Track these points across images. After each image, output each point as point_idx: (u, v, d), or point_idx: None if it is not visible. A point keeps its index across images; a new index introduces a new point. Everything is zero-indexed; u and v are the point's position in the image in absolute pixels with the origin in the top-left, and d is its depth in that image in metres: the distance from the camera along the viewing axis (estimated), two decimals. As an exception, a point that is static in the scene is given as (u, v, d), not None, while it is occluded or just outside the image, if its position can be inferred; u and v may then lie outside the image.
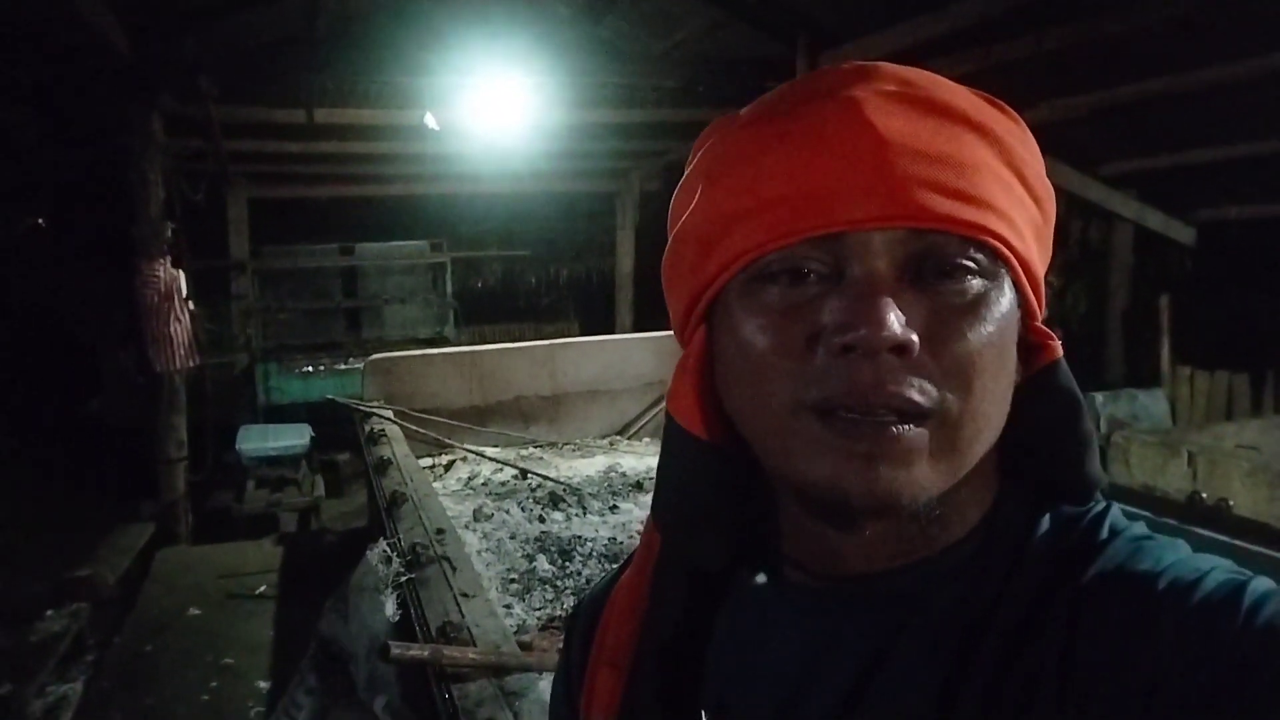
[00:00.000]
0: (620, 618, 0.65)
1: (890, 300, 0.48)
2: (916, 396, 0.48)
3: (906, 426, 0.48)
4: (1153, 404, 5.75)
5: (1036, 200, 0.54)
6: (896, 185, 0.49)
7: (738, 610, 0.62)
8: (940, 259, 0.50)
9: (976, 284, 0.50)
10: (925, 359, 0.48)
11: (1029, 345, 0.56)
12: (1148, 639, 0.46)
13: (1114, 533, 0.54)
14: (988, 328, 0.50)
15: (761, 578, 0.61)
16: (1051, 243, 0.57)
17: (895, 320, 0.47)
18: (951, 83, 0.54)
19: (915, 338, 0.48)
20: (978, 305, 0.50)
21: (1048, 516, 0.55)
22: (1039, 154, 0.55)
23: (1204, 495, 2.76)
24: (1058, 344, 0.57)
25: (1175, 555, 0.51)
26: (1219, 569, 0.49)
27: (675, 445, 0.61)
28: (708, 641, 0.62)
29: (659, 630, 0.63)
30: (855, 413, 0.48)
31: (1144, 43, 4.34)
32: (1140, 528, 0.55)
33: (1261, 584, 0.47)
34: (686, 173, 0.60)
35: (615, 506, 4.19)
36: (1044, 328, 0.57)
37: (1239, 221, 5.79)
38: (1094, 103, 5.02)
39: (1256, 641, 0.44)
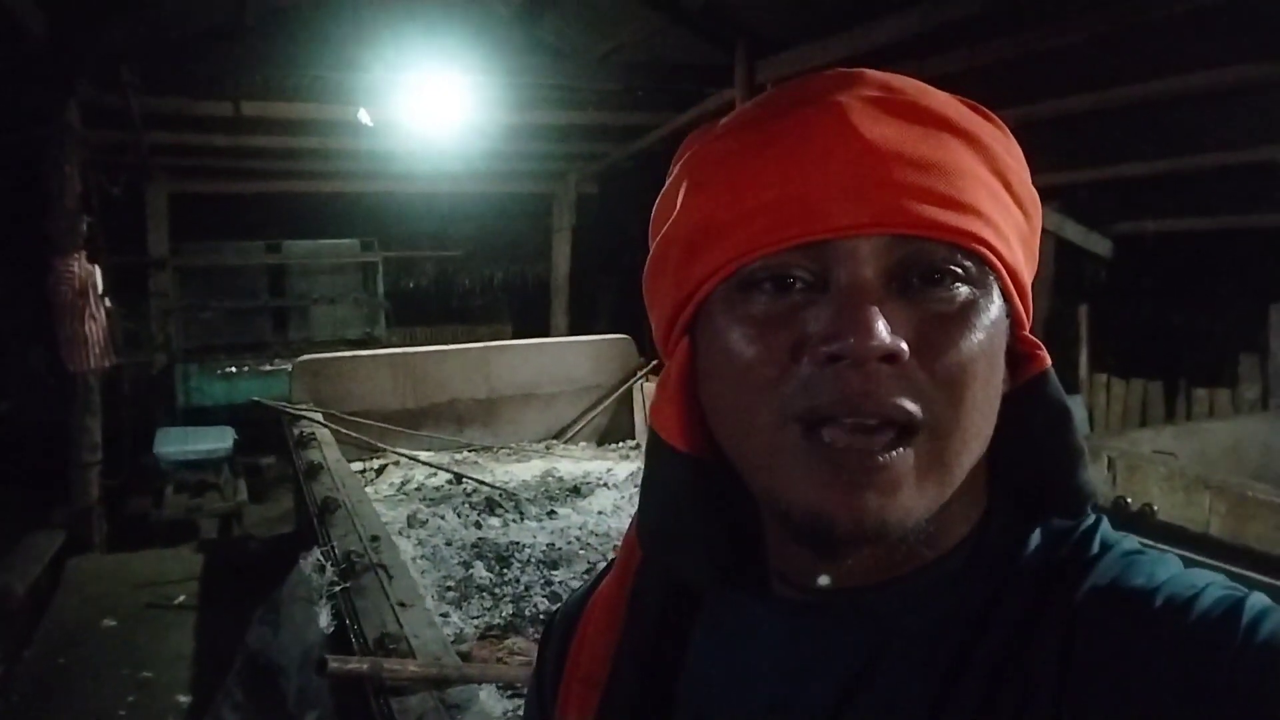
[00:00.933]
0: (596, 631, 0.64)
1: (877, 308, 0.47)
2: (908, 405, 0.47)
3: (894, 453, 0.47)
4: (1072, 410, 5.94)
5: (1021, 207, 0.54)
6: (883, 191, 0.48)
7: (718, 623, 0.61)
8: (928, 266, 0.49)
9: (965, 292, 0.50)
10: (914, 369, 0.48)
11: (1016, 355, 0.55)
12: (1146, 657, 0.46)
13: (1104, 547, 0.53)
14: (977, 336, 0.49)
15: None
16: (1037, 250, 0.57)
17: (883, 328, 0.46)
18: (934, 89, 0.53)
19: (904, 346, 0.47)
20: (966, 313, 0.49)
21: (1037, 530, 0.55)
22: (1024, 160, 0.55)
23: (1129, 500, 2.85)
24: (1045, 354, 0.56)
25: (1168, 571, 0.50)
26: (1214, 585, 0.48)
27: (659, 460, 0.59)
28: (686, 655, 0.61)
29: (637, 644, 0.61)
30: (841, 430, 0.47)
31: (1069, 60, 4.49)
32: (1131, 542, 0.54)
33: (1258, 601, 0.47)
34: (668, 181, 0.58)
35: (553, 512, 4.16)
36: (1031, 337, 0.56)
37: (1154, 235, 6.03)
38: (1019, 116, 5.16)
39: (1256, 660, 0.43)
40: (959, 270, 0.49)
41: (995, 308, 0.51)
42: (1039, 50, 4.23)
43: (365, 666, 1.89)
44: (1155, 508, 2.80)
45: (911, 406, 0.47)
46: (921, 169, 0.49)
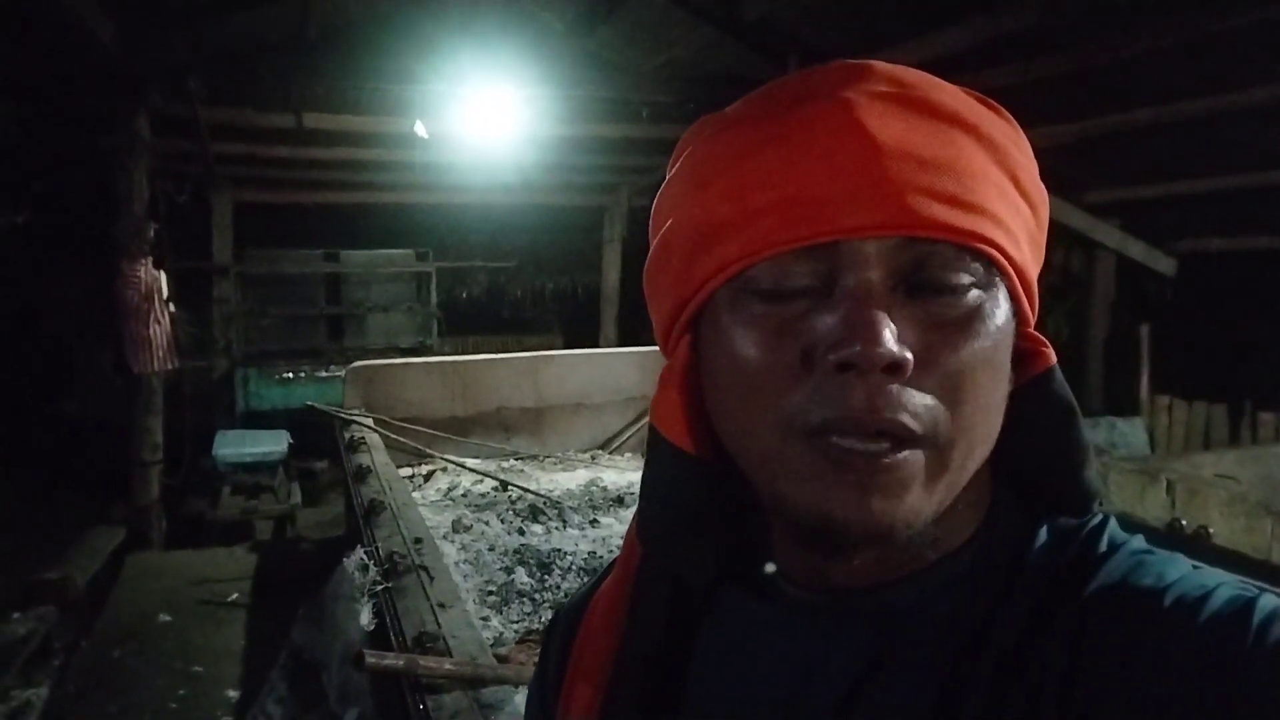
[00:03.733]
0: (599, 629, 0.63)
1: (885, 314, 0.46)
2: (909, 421, 0.46)
3: (900, 455, 0.47)
4: (1131, 432, 5.80)
5: (1030, 204, 0.53)
6: (891, 192, 0.47)
7: (722, 623, 0.60)
8: (936, 269, 0.48)
9: (973, 295, 0.49)
10: (919, 378, 0.47)
11: (1021, 352, 0.54)
12: (1155, 658, 0.45)
13: (1113, 546, 0.52)
14: (984, 342, 0.49)
15: (771, 570, 0.58)
16: (1044, 247, 0.56)
17: (890, 336, 0.45)
18: (944, 83, 0.52)
19: (910, 355, 0.46)
20: (973, 318, 0.49)
21: (1044, 529, 0.54)
22: (1032, 156, 0.54)
23: (1184, 523, 2.77)
24: (1051, 351, 0.55)
25: (1178, 571, 0.49)
26: (1225, 585, 0.47)
27: (659, 458, 0.59)
28: (689, 655, 0.61)
29: (639, 643, 0.61)
30: (849, 437, 0.47)
31: (1130, 74, 4.40)
32: (1139, 541, 0.54)
33: (1269, 601, 0.46)
34: (669, 175, 0.58)
35: (596, 521, 4.17)
36: (1037, 334, 0.55)
37: (1219, 253, 5.87)
38: (1079, 131, 5.08)
39: (1268, 661, 0.43)
40: (967, 272, 0.49)
41: (1003, 310, 0.50)
42: (1098, 64, 4.16)
43: (401, 663, 1.91)
44: (1212, 531, 2.71)
45: (913, 422, 0.47)
46: (930, 168, 0.48)
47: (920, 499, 0.48)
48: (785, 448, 0.49)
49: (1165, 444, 6.00)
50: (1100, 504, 0.55)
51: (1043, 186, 0.54)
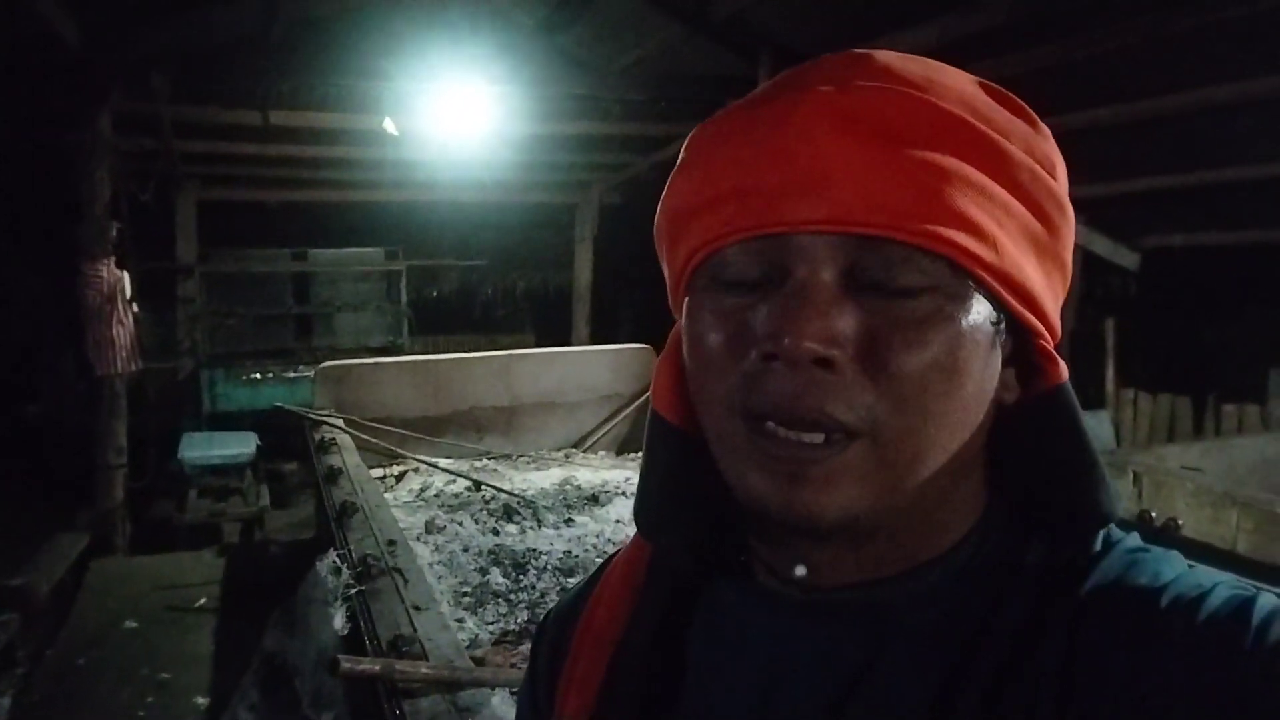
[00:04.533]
0: (614, 593, 0.64)
1: (820, 309, 0.46)
2: (838, 413, 0.46)
3: (828, 449, 0.47)
4: (1097, 425, 5.86)
5: (1036, 209, 0.50)
6: (842, 188, 0.47)
7: (717, 616, 0.60)
8: (883, 268, 0.47)
9: (928, 298, 0.47)
10: (855, 375, 0.47)
11: (1030, 365, 0.53)
12: (1153, 658, 0.44)
13: (1108, 545, 0.52)
14: (934, 345, 0.47)
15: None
16: (1066, 256, 0.53)
17: (819, 332, 0.46)
18: (949, 75, 0.51)
19: (837, 352, 0.46)
20: (925, 320, 0.47)
21: (1039, 531, 0.53)
22: (1051, 155, 0.52)
23: (1153, 514, 2.81)
24: (1061, 369, 0.53)
25: (1174, 570, 0.49)
26: (1223, 584, 0.47)
27: (654, 435, 0.60)
28: (687, 648, 0.60)
29: (638, 642, 0.60)
30: (779, 425, 0.47)
31: (1096, 72, 4.46)
32: (1134, 539, 0.53)
33: (1267, 601, 0.45)
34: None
35: (570, 520, 4.16)
36: (1047, 348, 0.53)
37: (1183, 248, 5.96)
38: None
39: (1267, 662, 0.42)
40: (921, 274, 0.47)
41: (970, 316, 0.48)
42: (1066, 61, 4.21)
43: (377, 668, 1.89)
44: (1180, 523, 2.75)
45: (844, 415, 0.46)
46: (892, 167, 0.47)
47: (851, 495, 0.48)
48: (730, 426, 0.50)
49: (1131, 437, 6.10)
50: (1110, 535, 0.53)
51: (1060, 193, 0.52)
